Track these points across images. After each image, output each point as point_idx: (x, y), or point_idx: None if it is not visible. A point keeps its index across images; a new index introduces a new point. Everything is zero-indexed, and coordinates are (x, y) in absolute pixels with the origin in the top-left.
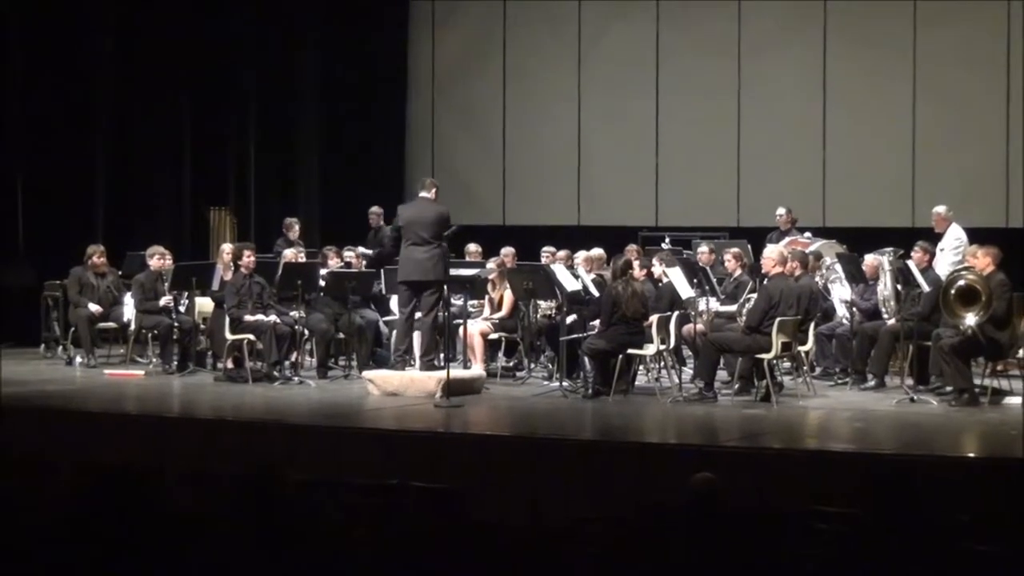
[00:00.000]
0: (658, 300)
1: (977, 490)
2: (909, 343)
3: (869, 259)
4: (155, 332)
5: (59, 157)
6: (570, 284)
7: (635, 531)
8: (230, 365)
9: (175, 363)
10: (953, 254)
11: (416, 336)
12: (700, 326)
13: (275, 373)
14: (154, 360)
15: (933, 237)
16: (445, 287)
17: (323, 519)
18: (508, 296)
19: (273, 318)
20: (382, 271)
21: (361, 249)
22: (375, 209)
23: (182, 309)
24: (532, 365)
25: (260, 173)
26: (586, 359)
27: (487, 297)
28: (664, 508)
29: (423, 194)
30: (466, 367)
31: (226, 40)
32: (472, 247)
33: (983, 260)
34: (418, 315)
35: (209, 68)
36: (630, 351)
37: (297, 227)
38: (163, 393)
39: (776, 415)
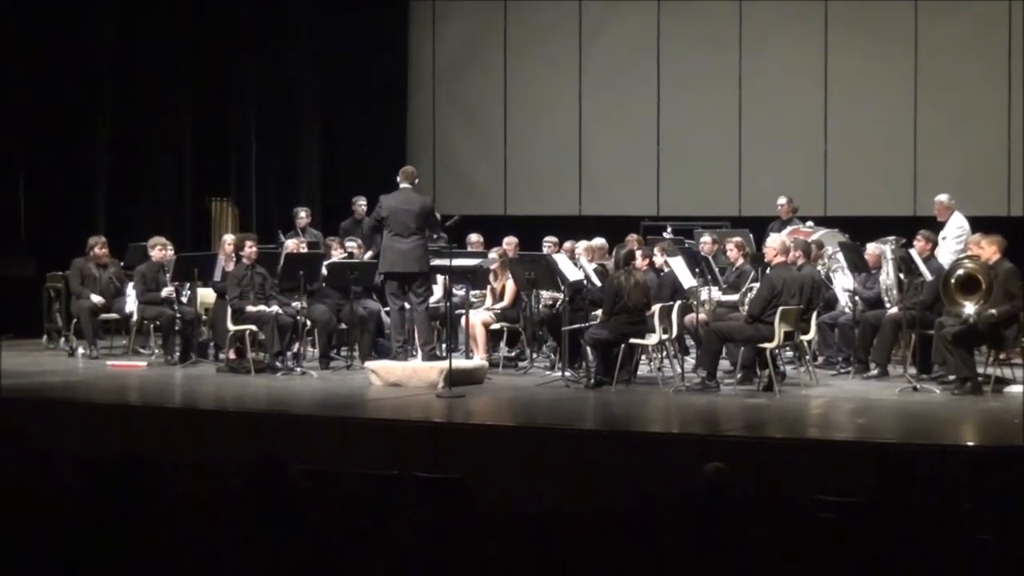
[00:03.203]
0: (660, 290)
1: (980, 479)
2: (912, 332)
3: (871, 248)
4: (157, 323)
5: (61, 148)
6: (572, 274)
7: (638, 520)
8: (232, 356)
9: (177, 354)
10: (955, 242)
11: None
12: (702, 315)
13: (277, 364)
14: (156, 351)
15: (935, 226)
16: (445, 277)
17: (325, 510)
18: (510, 286)
19: (275, 309)
20: None
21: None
22: (360, 200)
23: (184, 300)
24: (534, 355)
25: (261, 164)
26: (588, 349)
27: (489, 287)
28: (669, 497)
29: (405, 184)
30: (468, 357)
31: (227, 32)
32: (474, 237)
33: (989, 249)
34: (408, 306)
35: (210, 61)
36: (632, 341)
37: (303, 214)
38: (165, 384)
39: (779, 404)
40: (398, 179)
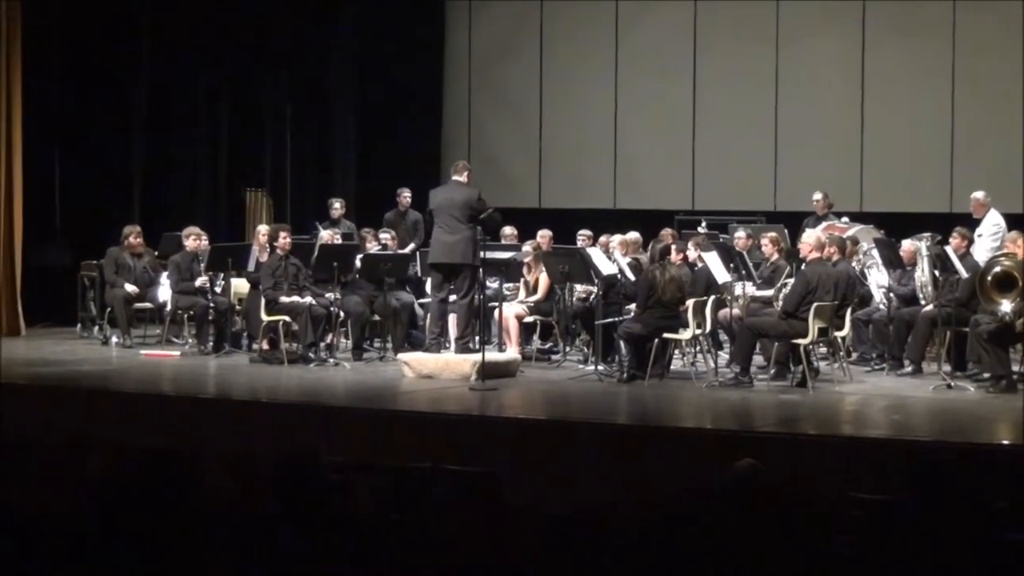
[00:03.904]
0: (694, 284)
1: (1014, 477)
2: (946, 329)
3: (906, 244)
4: (191, 313)
5: (96, 138)
6: (606, 267)
7: (670, 516)
8: (265, 346)
9: (211, 344)
10: (991, 240)
11: (452, 318)
12: (736, 311)
13: (310, 355)
14: (190, 341)
15: (971, 223)
16: (480, 270)
17: (357, 502)
18: (544, 279)
19: (309, 300)
20: (417, 254)
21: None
22: (405, 191)
23: (218, 290)
24: (567, 348)
25: (296, 155)
26: (622, 343)
27: (523, 280)
28: (701, 493)
29: (455, 177)
30: (501, 350)
31: (262, 23)
32: (508, 230)
33: None
34: (453, 298)
35: (246, 51)
36: (666, 335)
37: (338, 205)
38: (198, 374)
39: (812, 401)
40: (450, 170)
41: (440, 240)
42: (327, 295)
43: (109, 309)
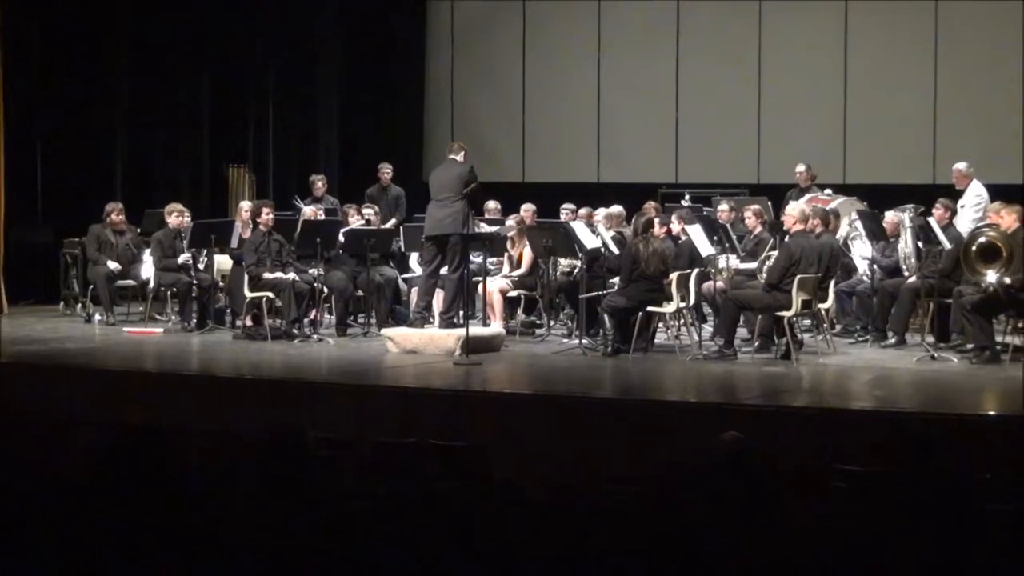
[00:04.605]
0: (678, 258)
1: (998, 448)
2: (930, 300)
3: (890, 216)
4: (174, 290)
5: (78, 114)
6: (590, 241)
7: (655, 489)
8: (249, 323)
9: (194, 321)
10: (974, 211)
11: (438, 293)
12: (720, 283)
13: (294, 331)
14: (173, 318)
15: (954, 194)
16: (467, 242)
17: (342, 477)
18: (527, 253)
19: (292, 276)
20: (400, 229)
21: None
22: (386, 166)
23: (201, 267)
24: (552, 322)
25: (279, 131)
26: (606, 317)
27: (507, 254)
28: (685, 466)
29: (451, 156)
30: (485, 324)
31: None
32: (492, 204)
33: (1008, 218)
34: (443, 271)
35: (229, 27)
36: (650, 308)
37: (320, 183)
38: (182, 351)
39: (796, 373)
40: (446, 150)
41: (432, 214)
42: (310, 271)
43: (92, 286)
